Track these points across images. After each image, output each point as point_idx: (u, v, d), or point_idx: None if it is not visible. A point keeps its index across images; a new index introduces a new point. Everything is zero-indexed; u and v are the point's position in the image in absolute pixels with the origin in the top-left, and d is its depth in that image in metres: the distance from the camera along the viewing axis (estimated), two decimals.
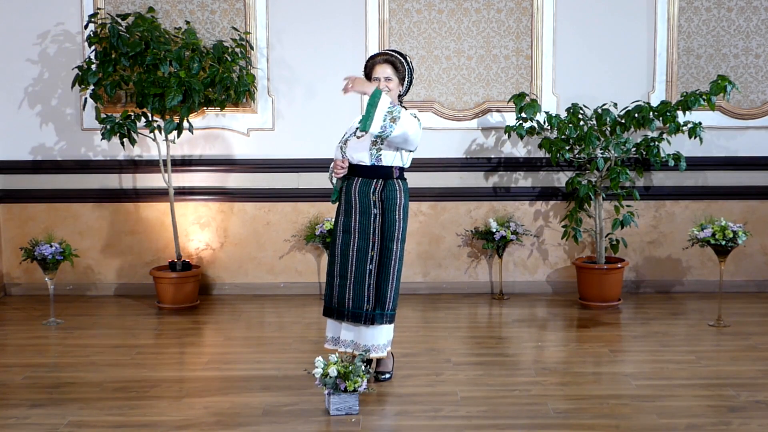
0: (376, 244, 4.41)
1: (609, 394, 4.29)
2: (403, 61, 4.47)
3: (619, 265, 6.11)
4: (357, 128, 4.48)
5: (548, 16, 6.33)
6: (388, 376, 4.52)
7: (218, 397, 4.28)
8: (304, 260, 6.53)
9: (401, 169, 4.48)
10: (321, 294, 6.49)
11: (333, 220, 6.09)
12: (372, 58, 4.51)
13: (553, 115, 6.09)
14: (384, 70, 4.42)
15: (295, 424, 3.92)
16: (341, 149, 4.48)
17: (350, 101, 6.11)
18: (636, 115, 6.01)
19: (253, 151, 6.45)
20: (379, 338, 4.46)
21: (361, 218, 4.42)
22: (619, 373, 4.64)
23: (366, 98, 4.22)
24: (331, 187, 4.58)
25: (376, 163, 4.40)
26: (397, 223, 4.42)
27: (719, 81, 5.94)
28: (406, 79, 4.49)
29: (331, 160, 4.58)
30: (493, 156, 6.46)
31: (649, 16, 6.35)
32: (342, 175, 4.44)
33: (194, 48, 5.89)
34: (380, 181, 4.41)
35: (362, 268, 4.42)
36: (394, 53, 4.49)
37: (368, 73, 4.48)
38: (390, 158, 4.41)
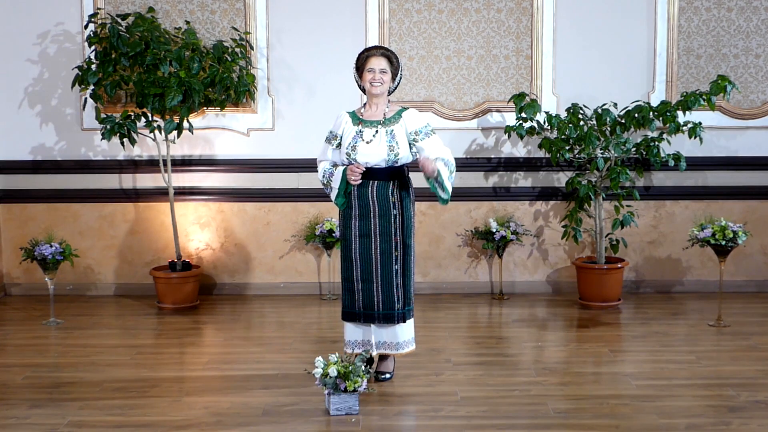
0: (398, 244, 4.43)
1: (609, 394, 4.29)
2: (396, 57, 4.49)
3: (619, 265, 6.11)
4: (360, 130, 4.43)
5: (548, 16, 6.33)
6: (388, 376, 4.52)
7: (218, 397, 4.28)
8: (304, 260, 6.53)
9: (408, 166, 4.51)
10: (321, 294, 6.49)
11: (333, 220, 6.12)
12: (367, 50, 4.50)
13: (553, 115, 6.09)
14: (380, 62, 4.42)
15: (295, 424, 3.92)
16: (348, 155, 4.43)
17: (350, 101, 6.11)
18: (636, 115, 6.01)
19: (253, 151, 6.45)
20: (408, 332, 4.54)
21: (381, 221, 4.41)
22: (619, 373, 4.64)
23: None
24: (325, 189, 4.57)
25: (392, 166, 4.42)
26: (411, 219, 4.49)
27: (719, 81, 5.94)
28: (398, 76, 4.51)
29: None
30: (493, 156, 6.46)
31: (649, 16, 6.35)
32: (360, 181, 4.42)
33: (194, 48, 5.89)
34: (396, 181, 4.44)
35: (389, 269, 4.42)
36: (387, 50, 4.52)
37: (361, 65, 4.46)
38: (404, 159, 4.45)
